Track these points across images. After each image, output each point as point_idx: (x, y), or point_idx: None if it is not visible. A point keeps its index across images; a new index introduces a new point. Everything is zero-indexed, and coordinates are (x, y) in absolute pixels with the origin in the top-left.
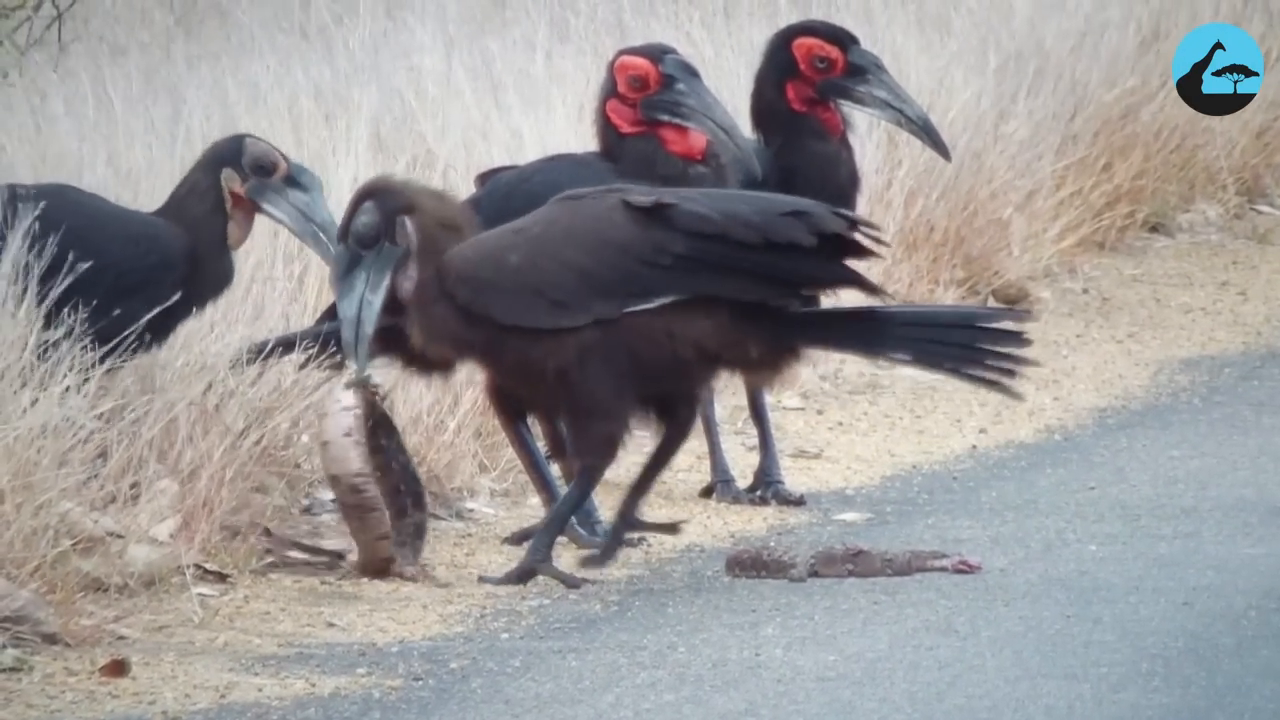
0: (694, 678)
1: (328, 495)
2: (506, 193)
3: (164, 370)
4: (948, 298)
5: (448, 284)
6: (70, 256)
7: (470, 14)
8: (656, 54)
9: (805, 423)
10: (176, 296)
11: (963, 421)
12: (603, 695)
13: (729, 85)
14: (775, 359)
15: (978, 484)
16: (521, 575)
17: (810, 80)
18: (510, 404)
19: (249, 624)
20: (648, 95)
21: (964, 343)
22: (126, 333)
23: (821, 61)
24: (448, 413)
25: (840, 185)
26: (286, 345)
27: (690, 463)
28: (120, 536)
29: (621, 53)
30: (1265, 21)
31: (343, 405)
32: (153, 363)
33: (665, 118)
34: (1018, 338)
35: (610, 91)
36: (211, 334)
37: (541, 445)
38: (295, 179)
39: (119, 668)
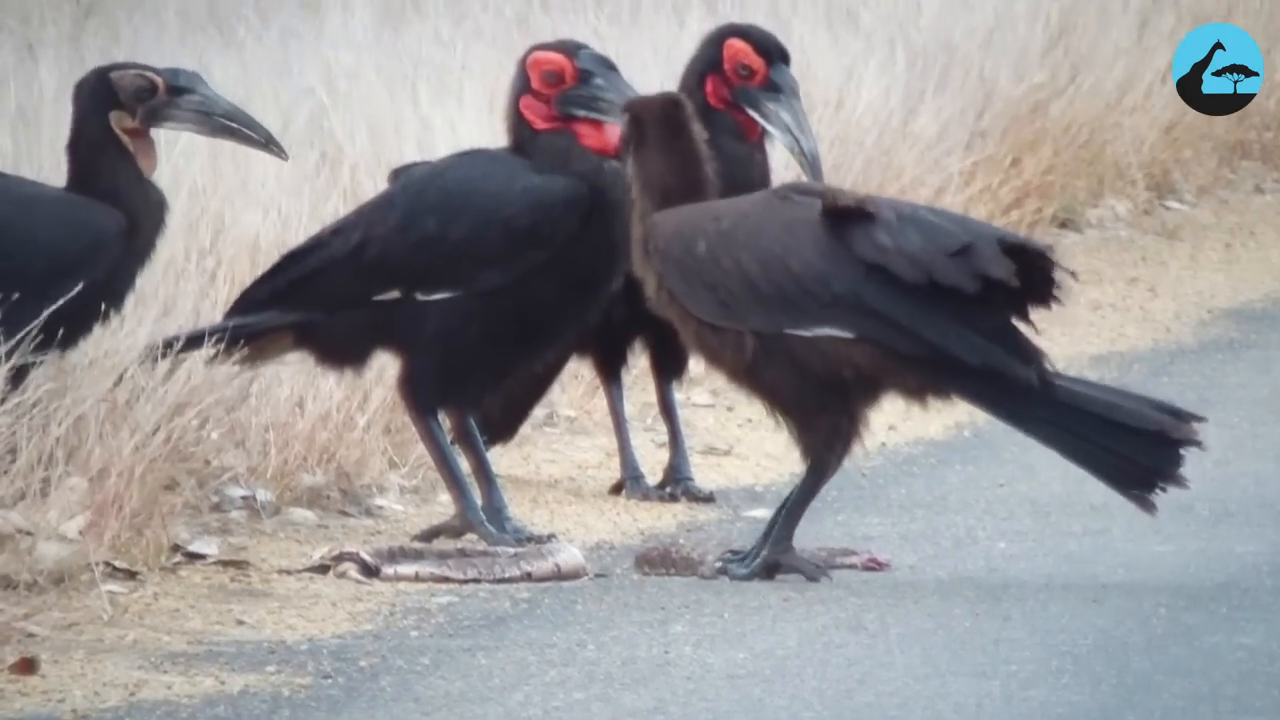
0: (603, 675)
1: (237, 492)
2: (421, 187)
3: (74, 366)
4: None
5: (650, 246)
6: None
7: (382, 10)
8: (571, 49)
9: (715, 419)
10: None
11: (872, 418)
12: (512, 693)
13: (637, 82)
14: (932, 394)
15: (887, 481)
16: (768, 569)
17: (729, 82)
18: (424, 399)
19: (158, 621)
20: (563, 90)
21: (1120, 451)
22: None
23: (744, 69)
24: (357, 409)
25: (751, 187)
26: (196, 341)
27: (599, 459)
28: (29, 533)
29: (534, 49)
30: (1175, 16)
31: None
32: (62, 358)
33: (582, 113)
34: (1175, 454)
35: (523, 87)
36: (121, 330)
37: (451, 440)
38: (177, 86)
39: (28, 665)
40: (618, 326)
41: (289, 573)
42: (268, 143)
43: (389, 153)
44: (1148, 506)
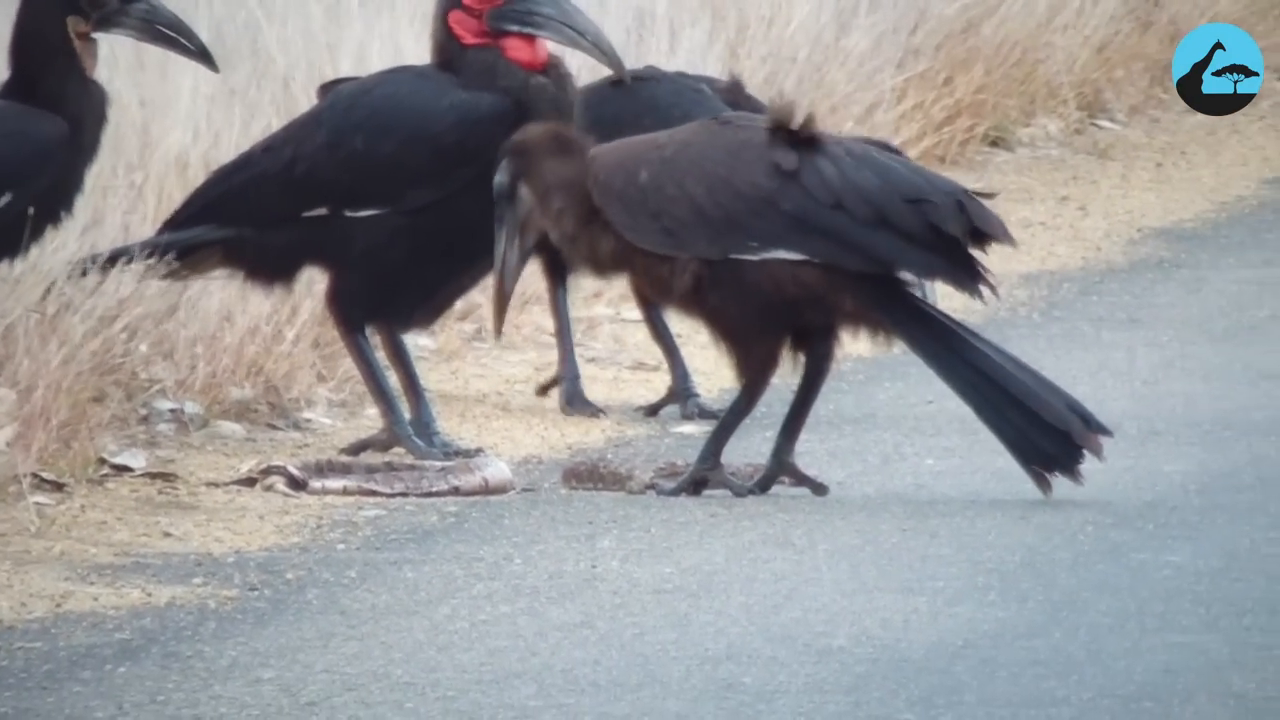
0: (530, 589)
1: (165, 406)
2: (348, 104)
3: (0, 280)
4: None
5: (589, 181)
6: None
7: None
8: None
9: (645, 335)
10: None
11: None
12: (439, 607)
13: None
14: (865, 322)
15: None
16: (695, 485)
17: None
18: (353, 315)
19: (85, 533)
20: (494, 6)
21: (1023, 426)
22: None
23: None
24: (286, 323)
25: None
26: (125, 255)
27: (527, 374)
28: None
29: None
30: None
31: None
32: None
33: (515, 28)
34: (1077, 451)
35: (453, 3)
36: (49, 244)
37: (380, 356)
38: None
39: None
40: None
41: (216, 485)
42: (202, 54)
43: (323, 69)
44: (1044, 486)
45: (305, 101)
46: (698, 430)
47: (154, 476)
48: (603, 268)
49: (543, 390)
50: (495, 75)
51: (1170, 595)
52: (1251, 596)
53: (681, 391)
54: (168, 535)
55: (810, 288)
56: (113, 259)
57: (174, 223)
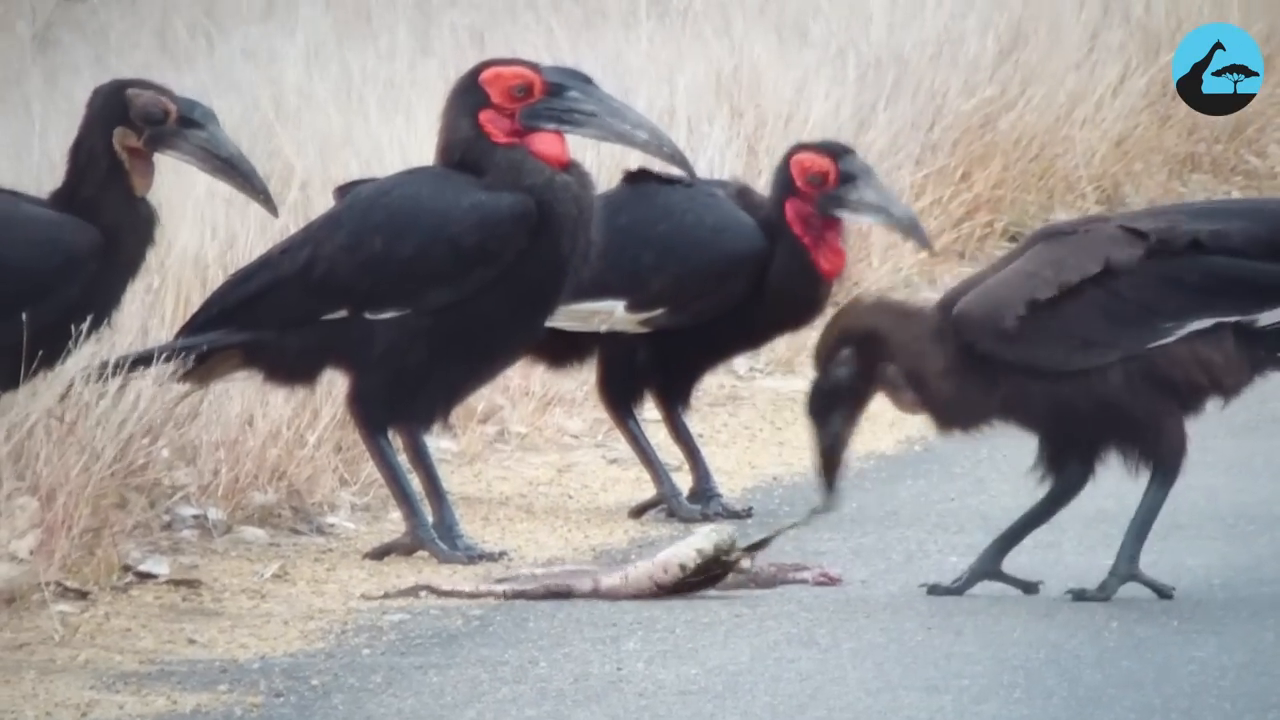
0: (555, 693)
1: (188, 511)
2: (367, 206)
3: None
4: None
5: (964, 337)
6: None
7: (336, 26)
8: (535, 65)
9: (665, 435)
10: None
11: None
12: (464, 711)
13: None
14: (1247, 384)
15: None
16: (1105, 588)
17: (809, 198)
18: (374, 417)
19: (110, 641)
20: (530, 104)
21: None
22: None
23: (816, 178)
24: (308, 427)
25: (818, 301)
26: (145, 360)
27: (550, 476)
28: None
29: (488, 64)
30: (1125, 30)
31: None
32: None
33: (552, 126)
34: None
35: (481, 102)
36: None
37: (402, 459)
38: (189, 118)
39: None
40: (640, 367)
41: (241, 591)
42: (263, 195)
43: (337, 170)
44: None
45: (321, 203)
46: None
47: (178, 583)
48: (981, 415)
49: (638, 513)
50: (521, 174)
51: (1195, 691)
52: (1277, 691)
53: (704, 491)
54: (192, 642)
55: (1223, 361)
56: (132, 364)
57: (193, 326)
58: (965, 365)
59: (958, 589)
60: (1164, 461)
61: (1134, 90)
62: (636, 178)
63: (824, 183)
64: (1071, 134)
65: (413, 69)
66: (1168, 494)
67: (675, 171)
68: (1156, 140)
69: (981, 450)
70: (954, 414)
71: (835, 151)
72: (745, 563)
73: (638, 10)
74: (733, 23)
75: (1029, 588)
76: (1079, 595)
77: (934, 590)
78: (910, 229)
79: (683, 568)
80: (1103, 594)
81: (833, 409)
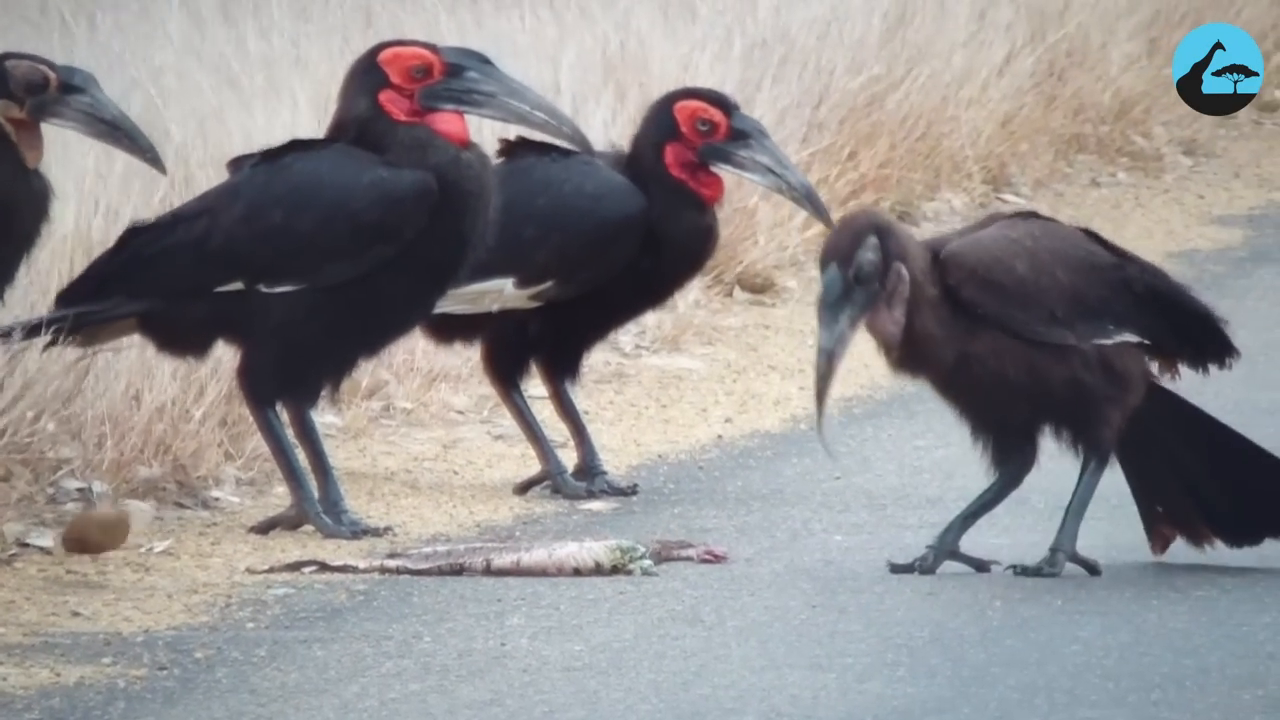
0: (439, 667)
1: (73, 485)
2: (266, 178)
3: None
4: (693, 287)
5: (950, 279)
6: None
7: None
8: (434, 46)
9: (551, 411)
10: None
11: (708, 411)
12: (348, 685)
13: None
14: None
15: (723, 474)
16: (1055, 564)
17: (691, 144)
18: (263, 391)
19: None
20: (429, 85)
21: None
22: None
23: (704, 124)
24: (193, 402)
25: (706, 251)
26: (34, 329)
27: (436, 452)
28: None
29: (386, 45)
30: (1012, 9)
31: None
32: None
33: (451, 107)
34: None
35: (381, 82)
36: None
37: (289, 433)
38: (70, 84)
39: None
40: (531, 341)
41: (126, 565)
42: (150, 154)
43: (220, 147)
44: None
45: (205, 179)
46: (605, 507)
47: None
48: (938, 360)
49: (522, 490)
50: (426, 152)
51: (1079, 670)
52: (1159, 671)
53: (590, 468)
54: (76, 615)
55: (1138, 376)
56: (20, 332)
57: (80, 291)
58: (947, 305)
59: (926, 568)
60: (1103, 447)
61: (1021, 71)
62: (513, 149)
63: (712, 133)
64: (958, 114)
65: (296, 47)
66: (1097, 480)
67: (552, 140)
68: (1043, 121)
69: (867, 429)
70: (922, 349)
71: (727, 104)
72: (637, 570)
73: None
74: (618, 1)
75: (983, 566)
76: (1023, 571)
77: (896, 569)
78: (807, 199)
79: (577, 571)
80: (1053, 569)
81: (844, 305)
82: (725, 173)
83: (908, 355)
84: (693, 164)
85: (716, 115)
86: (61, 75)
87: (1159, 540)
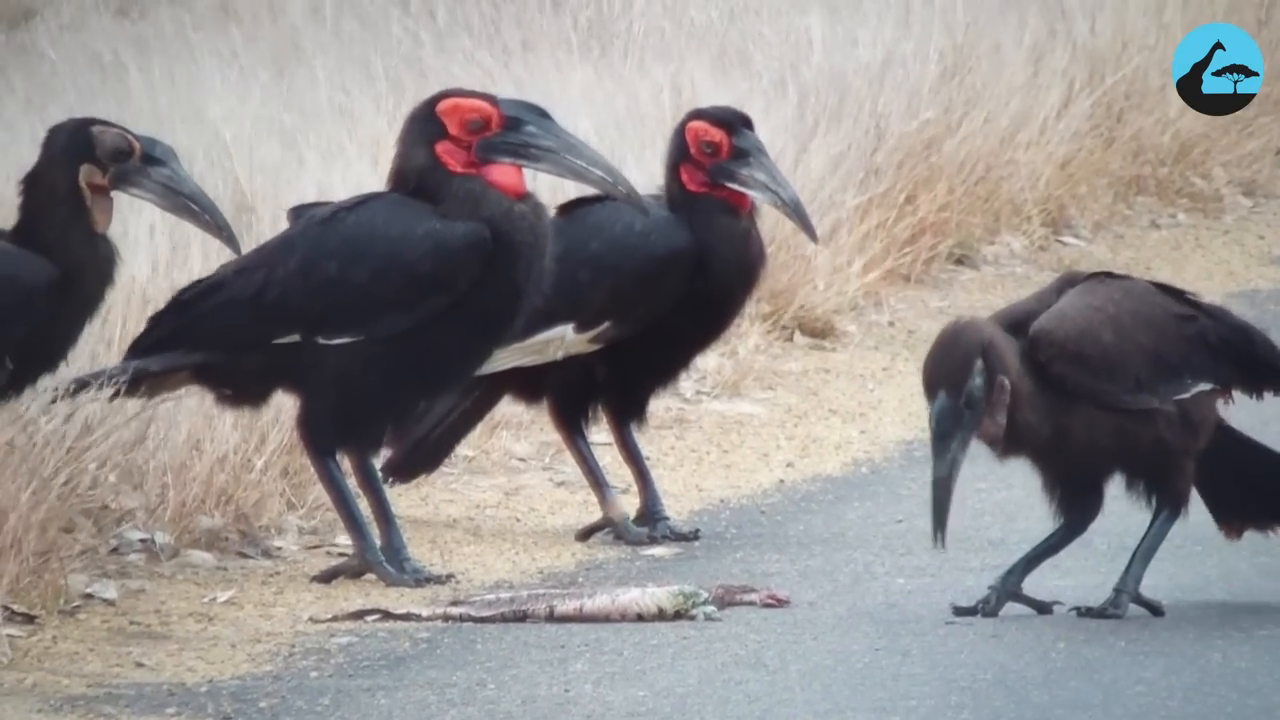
0: (503, 714)
1: (135, 535)
2: (321, 231)
3: None
4: (753, 332)
5: (1040, 356)
6: None
7: (269, 54)
8: (492, 98)
9: (613, 457)
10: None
11: (770, 455)
12: None
13: None
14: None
15: (785, 518)
16: (1119, 605)
17: (701, 164)
18: (323, 441)
19: (57, 664)
20: (485, 138)
21: None
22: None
23: (709, 146)
24: (255, 451)
25: (752, 260)
26: (94, 382)
27: (497, 499)
28: None
29: (446, 95)
30: (1068, 53)
31: None
32: None
33: (508, 160)
34: None
35: (439, 133)
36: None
37: (350, 482)
38: (151, 155)
39: None
40: (594, 385)
41: (189, 615)
42: (225, 232)
43: (283, 197)
44: None
45: (271, 231)
46: (668, 553)
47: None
48: (1037, 440)
49: (585, 536)
50: (480, 203)
51: (1143, 712)
52: (1224, 712)
53: (652, 514)
54: (140, 665)
55: (1209, 425)
56: (81, 386)
57: (142, 345)
58: (1038, 382)
59: (989, 610)
60: (1181, 497)
61: (1078, 113)
62: (569, 207)
63: (716, 153)
64: (1016, 157)
65: (350, 95)
66: (1169, 528)
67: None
68: (1101, 163)
69: (928, 472)
70: (1022, 434)
71: (730, 124)
72: (700, 615)
73: (577, 39)
74: (672, 49)
75: (1045, 608)
76: (1087, 612)
77: (959, 612)
78: (795, 213)
79: (640, 617)
80: (1116, 611)
81: (956, 431)
82: (733, 189)
83: (1010, 445)
84: (705, 184)
85: (718, 135)
86: (144, 146)
87: (1232, 530)
